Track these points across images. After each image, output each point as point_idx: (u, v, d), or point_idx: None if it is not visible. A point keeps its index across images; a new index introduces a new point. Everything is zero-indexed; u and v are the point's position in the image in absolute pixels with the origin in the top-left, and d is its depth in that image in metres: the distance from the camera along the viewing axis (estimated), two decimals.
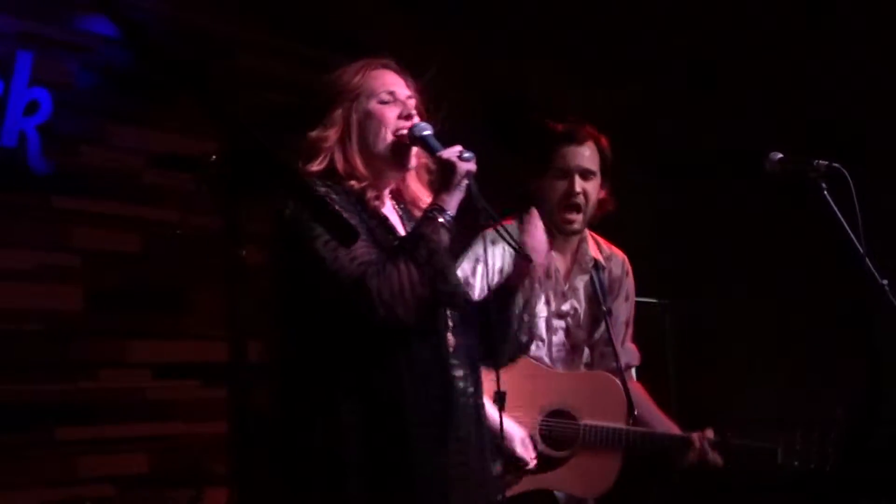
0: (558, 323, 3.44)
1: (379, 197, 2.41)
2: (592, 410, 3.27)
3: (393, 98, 2.43)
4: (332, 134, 2.39)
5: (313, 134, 2.40)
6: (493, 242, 3.33)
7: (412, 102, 2.46)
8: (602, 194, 3.45)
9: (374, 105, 2.40)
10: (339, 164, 2.37)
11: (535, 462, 3.17)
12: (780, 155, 2.90)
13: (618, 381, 3.28)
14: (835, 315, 5.46)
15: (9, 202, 3.87)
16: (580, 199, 3.35)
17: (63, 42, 4.10)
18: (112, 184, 4.19)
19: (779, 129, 5.56)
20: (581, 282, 3.45)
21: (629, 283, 3.57)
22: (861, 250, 2.67)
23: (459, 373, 2.35)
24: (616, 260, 3.54)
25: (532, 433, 3.22)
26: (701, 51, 5.85)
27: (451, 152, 2.32)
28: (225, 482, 3.60)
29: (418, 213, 2.39)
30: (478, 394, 2.41)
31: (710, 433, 3.25)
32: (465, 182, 2.30)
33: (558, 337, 3.43)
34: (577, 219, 3.37)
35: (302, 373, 2.29)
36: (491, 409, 2.63)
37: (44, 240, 3.98)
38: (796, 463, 3.11)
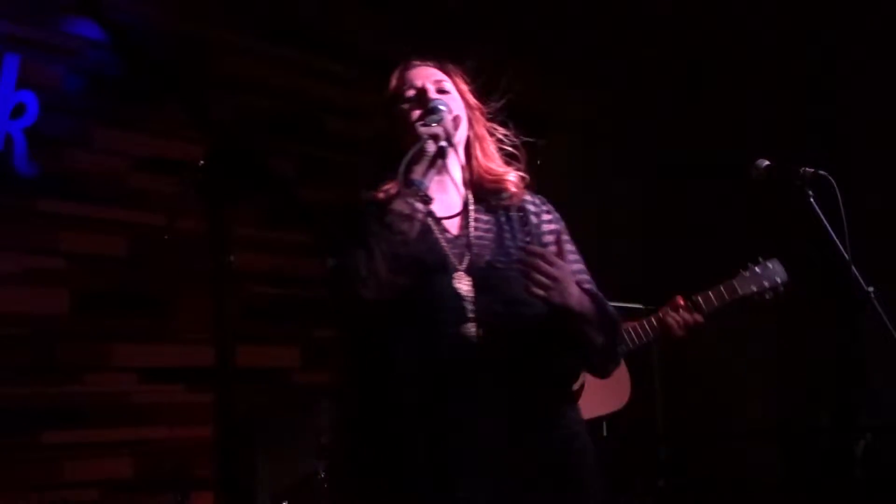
0: None
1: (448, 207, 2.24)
2: None
3: (413, 92, 2.26)
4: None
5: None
6: None
7: (420, 85, 2.26)
8: None
9: (398, 109, 2.25)
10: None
11: None
12: (767, 162, 2.88)
13: None
14: (827, 318, 5.49)
15: None
16: None
17: (50, 45, 4.10)
18: (98, 187, 4.18)
19: (778, 130, 5.59)
20: None
21: None
22: (847, 257, 2.67)
23: (473, 331, 2.10)
24: None
25: None
26: (698, 51, 5.87)
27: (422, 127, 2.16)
28: (210, 487, 3.59)
29: (491, 186, 2.26)
30: (505, 354, 2.11)
31: (678, 301, 3.07)
32: (429, 147, 2.12)
33: None
34: None
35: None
36: None
37: (29, 243, 3.96)
38: (754, 288, 3.10)
